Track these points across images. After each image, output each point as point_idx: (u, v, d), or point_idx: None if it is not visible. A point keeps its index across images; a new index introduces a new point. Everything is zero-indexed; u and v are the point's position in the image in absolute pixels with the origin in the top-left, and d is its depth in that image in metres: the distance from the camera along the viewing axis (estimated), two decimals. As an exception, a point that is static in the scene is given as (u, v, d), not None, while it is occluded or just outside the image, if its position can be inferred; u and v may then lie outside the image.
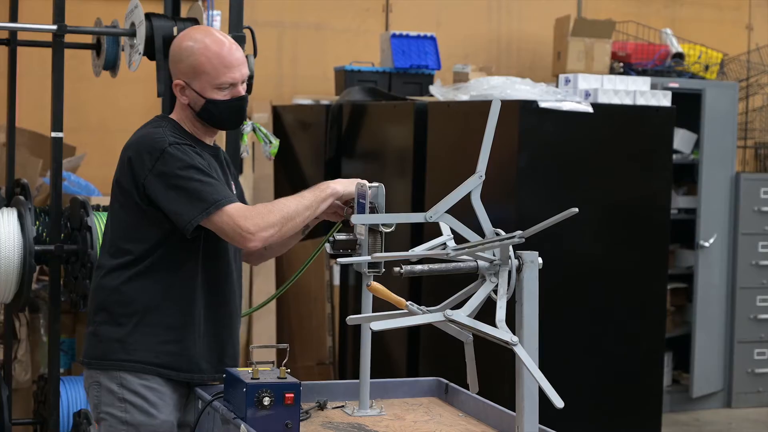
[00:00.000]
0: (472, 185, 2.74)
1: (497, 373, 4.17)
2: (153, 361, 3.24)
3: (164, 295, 3.24)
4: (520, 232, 2.64)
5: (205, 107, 3.27)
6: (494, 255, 2.70)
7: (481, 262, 2.70)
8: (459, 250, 2.69)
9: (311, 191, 3.23)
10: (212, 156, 3.32)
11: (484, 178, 2.74)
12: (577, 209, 2.51)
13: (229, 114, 3.30)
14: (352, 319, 2.86)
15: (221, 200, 3.12)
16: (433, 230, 2.97)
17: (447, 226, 2.83)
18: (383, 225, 3.04)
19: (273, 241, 3.18)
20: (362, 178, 3.15)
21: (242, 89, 3.31)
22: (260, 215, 3.13)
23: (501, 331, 2.58)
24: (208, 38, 3.27)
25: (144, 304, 3.24)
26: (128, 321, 3.24)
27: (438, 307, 2.76)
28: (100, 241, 4.30)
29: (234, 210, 3.12)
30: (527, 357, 2.57)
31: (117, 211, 3.29)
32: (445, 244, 2.88)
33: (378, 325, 2.52)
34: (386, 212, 3.06)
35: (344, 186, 3.23)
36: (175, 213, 3.14)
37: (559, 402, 2.48)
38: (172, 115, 3.36)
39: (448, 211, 2.70)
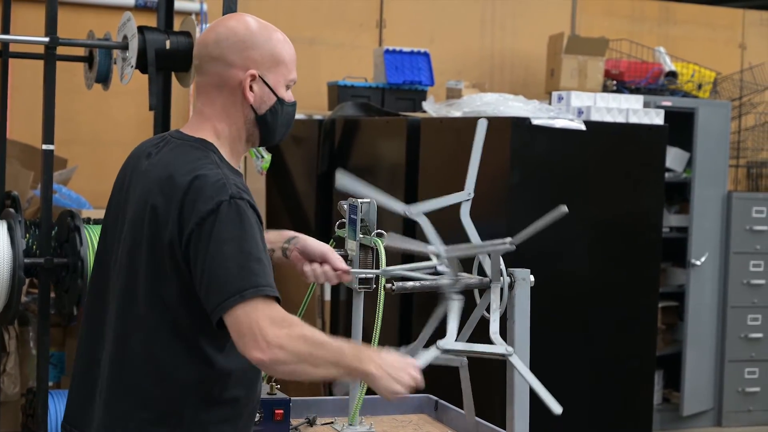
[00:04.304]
0: (460, 198, 2.75)
1: (486, 389, 4.15)
2: None
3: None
4: (509, 239, 2.64)
5: (274, 108, 2.64)
6: (487, 273, 2.70)
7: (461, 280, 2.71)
8: (451, 252, 2.68)
9: (352, 357, 2.48)
10: None
11: (472, 195, 2.74)
12: (566, 208, 2.51)
13: (287, 121, 2.70)
14: None
15: (262, 287, 2.43)
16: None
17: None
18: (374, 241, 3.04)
19: (278, 371, 2.44)
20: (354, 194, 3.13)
21: None
22: (292, 332, 2.41)
23: (496, 346, 2.59)
24: (275, 27, 2.70)
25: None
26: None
27: (413, 345, 2.75)
28: (92, 256, 4.28)
29: (268, 308, 2.42)
30: (522, 365, 2.57)
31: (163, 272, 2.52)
32: (435, 267, 2.88)
33: None
34: (378, 228, 3.06)
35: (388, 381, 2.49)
36: (207, 289, 2.44)
37: (557, 407, 2.47)
38: (208, 137, 2.63)
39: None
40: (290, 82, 2.67)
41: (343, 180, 2.65)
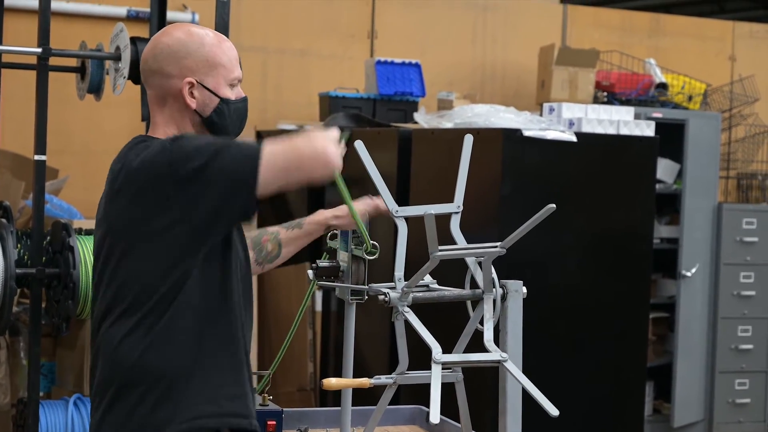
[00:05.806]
0: (448, 209, 2.78)
1: (477, 403, 4.16)
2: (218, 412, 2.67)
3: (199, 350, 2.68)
4: (500, 243, 2.65)
5: (219, 108, 2.78)
6: (480, 285, 2.71)
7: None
8: (445, 252, 2.69)
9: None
10: None
11: (462, 208, 2.76)
12: (554, 206, 2.54)
13: (238, 117, 2.83)
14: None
15: (255, 146, 2.58)
16: (418, 260, 2.96)
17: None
18: (366, 252, 3.05)
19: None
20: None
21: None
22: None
23: (491, 354, 2.60)
24: (209, 31, 2.84)
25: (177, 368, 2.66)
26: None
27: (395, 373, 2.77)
28: (84, 266, 4.28)
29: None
30: (517, 370, 2.58)
31: (124, 261, 2.68)
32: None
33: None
34: (370, 240, 3.06)
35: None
36: (226, 193, 2.57)
37: (553, 410, 2.49)
38: (157, 135, 2.81)
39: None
40: (233, 80, 2.81)
41: (360, 147, 2.90)
